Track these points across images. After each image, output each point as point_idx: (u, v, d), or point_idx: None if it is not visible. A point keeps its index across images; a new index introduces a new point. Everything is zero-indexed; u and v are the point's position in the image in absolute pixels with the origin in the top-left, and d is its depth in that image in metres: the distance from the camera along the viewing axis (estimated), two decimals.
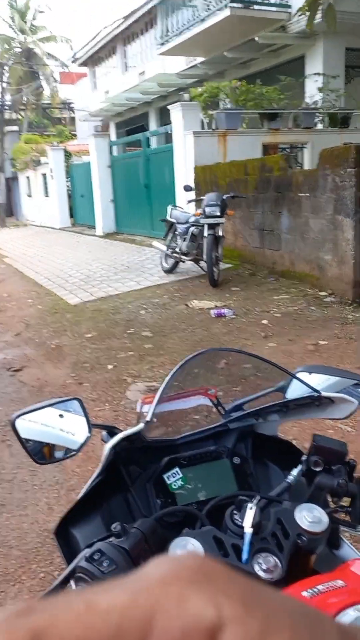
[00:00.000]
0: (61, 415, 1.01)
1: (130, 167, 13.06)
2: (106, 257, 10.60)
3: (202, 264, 7.46)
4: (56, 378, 4.51)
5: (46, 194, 19.83)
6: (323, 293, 6.29)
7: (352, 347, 4.67)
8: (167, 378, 1.03)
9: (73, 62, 23.72)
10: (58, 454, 1.00)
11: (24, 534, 2.56)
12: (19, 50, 33.99)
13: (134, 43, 19.25)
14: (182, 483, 1.01)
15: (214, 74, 14.08)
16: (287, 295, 6.50)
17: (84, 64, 23.08)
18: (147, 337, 5.37)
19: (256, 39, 11.37)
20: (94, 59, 22.28)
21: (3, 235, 18.29)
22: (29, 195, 22.81)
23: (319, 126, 10.98)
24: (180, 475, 1.02)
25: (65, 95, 37.01)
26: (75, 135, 27.57)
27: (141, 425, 0.98)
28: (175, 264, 8.18)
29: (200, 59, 13.88)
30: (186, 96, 9.90)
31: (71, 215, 18.70)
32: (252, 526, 0.78)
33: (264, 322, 5.53)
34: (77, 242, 13.79)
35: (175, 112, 9.84)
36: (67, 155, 18.54)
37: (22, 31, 33.97)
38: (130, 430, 0.97)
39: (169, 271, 8.27)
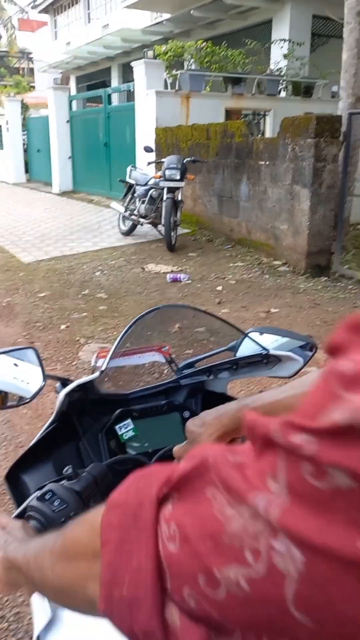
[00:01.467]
0: (16, 364, 1.01)
1: (90, 123, 12.68)
2: (62, 216, 10.36)
3: (160, 227, 7.42)
4: (7, 336, 4.45)
5: (0, 147, 19.06)
6: (277, 262, 6.39)
7: (302, 315, 4.80)
8: (123, 331, 1.06)
9: (33, 8, 22.55)
10: (11, 402, 1.01)
11: None
12: None
13: None
14: (133, 434, 1.05)
15: (179, 33, 13.71)
16: (243, 263, 6.57)
17: (45, 11, 22.00)
18: (101, 299, 5.35)
19: None
20: (55, 7, 21.25)
21: None
22: None
23: (283, 94, 10.93)
24: (132, 426, 1.06)
25: (24, 45, 35.26)
26: (33, 87, 26.43)
27: (96, 374, 1.01)
28: (133, 227, 8.10)
29: (166, 16, 13.46)
30: (150, 53, 9.60)
31: (26, 171, 18.08)
32: None
33: (219, 288, 5.59)
34: (33, 198, 13.39)
35: (139, 69, 9.56)
36: (24, 107, 17.79)
37: None
38: (85, 379, 0.99)
39: (127, 233, 8.18)
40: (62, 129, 13.64)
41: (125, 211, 7.91)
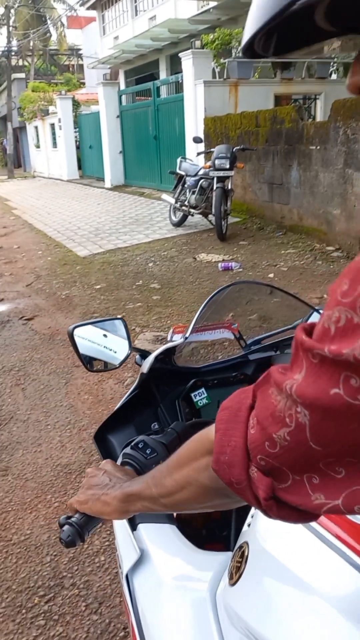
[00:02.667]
0: (105, 335, 1.16)
1: (139, 117, 12.83)
2: (115, 210, 10.59)
3: (211, 217, 7.47)
4: (67, 327, 4.64)
5: (54, 144, 19.55)
6: (330, 248, 6.33)
7: None
8: (201, 307, 1.18)
9: (81, 5, 22.88)
10: (99, 366, 1.16)
11: (39, 469, 2.75)
12: None
13: None
14: (207, 402, 1.18)
15: (226, 20, 13.59)
16: (294, 249, 6.54)
17: (93, 7, 22.26)
18: (155, 289, 5.48)
19: None
20: (102, 2, 21.48)
21: (11, 187, 18.18)
22: (37, 146, 22.48)
23: (333, 76, 10.69)
24: (206, 394, 1.19)
25: (73, 41, 35.86)
26: (83, 83, 26.88)
27: (181, 340, 1.14)
28: (184, 217, 8.19)
29: (213, 3, 13.37)
30: (197, 43, 9.60)
31: (79, 167, 18.50)
32: None
33: (271, 275, 5.60)
34: (86, 194, 13.72)
35: (186, 60, 9.59)
36: (76, 104, 18.18)
37: None
38: (172, 344, 1.14)
39: (178, 224, 8.28)
40: (113, 124, 13.87)
41: (176, 202, 8.00)
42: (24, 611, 1.94)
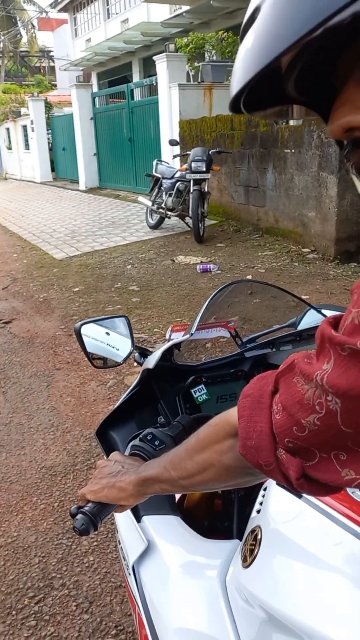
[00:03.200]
0: (107, 333, 1.19)
1: (113, 119, 12.82)
2: (90, 212, 10.55)
3: (188, 219, 7.52)
4: (46, 330, 4.63)
5: (27, 146, 19.36)
6: (306, 250, 6.43)
7: (333, 301, 4.86)
8: (204, 305, 1.22)
9: (53, 7, 22.75)
10: (101, 363, 1.19)
11: (23, 471, 2.73)
12: None
13: None
14: (206, 397, 1.22)
15: (199, 24, 13.70)
16: (271, 251, 6.63)
17: (64, 9, 22.16)
18: (134, 291, 5.49)
19: None
20: (74, 5, 21.40)
21: None
22: (9, 148, 22.22)
23: None
24: (205, 390, 1.23)
25: (44, 43, 35.58)
26: (55, 85, 26.71)
27: (187, 335, 1.18)
28: (161, 220, 8.22)
29: (185, 7, 13.46)
30: (171, 47, 9.66)
31: (52, 169, 18.36)
32: None
33: (249, 277, 5.67)
34: (60, 196, 13.63)
35: (161, 63, 9.64)
36: (48, 106, 18.04)
37: None
38: (178, 340, 1.17)
39: (155, 227, 8.30)
40: (86, 126, 13.82)
41: (153, 205, 8.02)
42: (14, 612, 1.94)
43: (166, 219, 8.18)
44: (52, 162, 18.26)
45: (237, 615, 0.82)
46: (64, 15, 23.21)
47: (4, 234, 9.40)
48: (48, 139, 18.02)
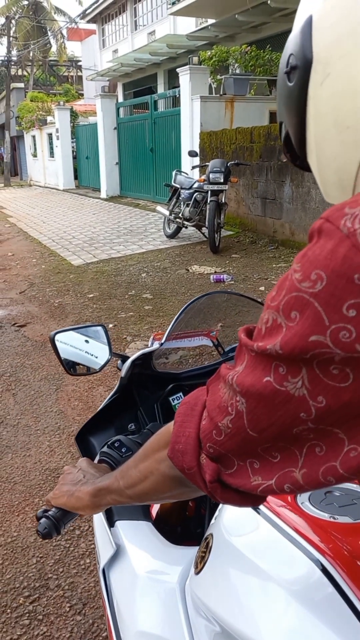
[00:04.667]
0: (87, 341, 1.20)
1: (136, 129, 12.98)
2: (110, 220, 10.67)
3: (204, 230, 7.56)
4: None
5: (51, 154, 19.69)
6: None
7: None
8: (177, 314, 1.24)
9: (82, 18, 23.16)
10: (81, 370, 1.21)
11: (28, 472, 2.78)
12: (27, 3, 33.09)
13: (144, 1, 18.79)
14: None
15: (224, 37, 13.83)
16: (286, 263, 6.63)
17: (93, 20, 22.55)
18: (147, 299, 5.54)
19: (268, 2, 11.16)
20: (103, 16, 21.77)
21: (7, 195, 18.26)
22: (34, 155, 22.62)
23: None
24: (182, 397, 1.25)
25: (73, 53, 36.19)
26: (82, 94, 27.12)
27: (156, 345, 1.20)
28: (178, 229, 8.28)
29: (211, 21, 13.62)
30: (195, 59, 9.77)
31: (75, 177, 18.62)
32: None
33: (262, 288, 5.69)
34: (81, 204, 13.81)
35: (184, 75, 9.76)
36: (74, 115, 18.34)
37: None
38: (148, 349, 1.20)
39: (171, 236, 8.37)
40: (110, 135, 14.01)
41: (170, 214, 8.10)
42: (8, 611, 1.97)
43: (183, 229, 8.24)
44: (75, 170, 18.53)
45: (193, 620, 0.84)
46: (93, 26, 23.60)
47: (25, 240, 9.56)
48: (72, 147, 18.31)
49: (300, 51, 0.52)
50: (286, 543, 0.75)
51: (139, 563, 1.01)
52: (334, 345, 0.40)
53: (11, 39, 25.46)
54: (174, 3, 13.48)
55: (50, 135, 19.50)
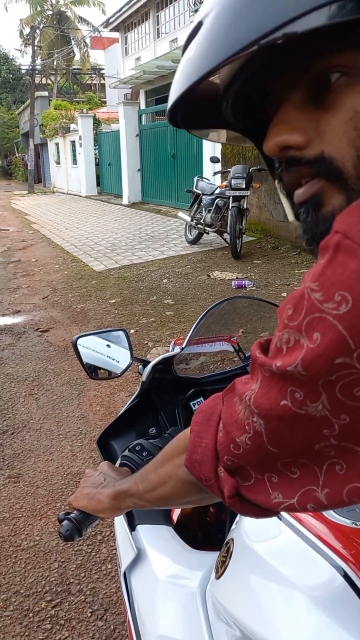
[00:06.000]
0: (108, 345, 1.22)
1: (158, 136, 13.05)
2: (131, 227, 10.74)
3: (226, 236, 7.56)
4: None
5: (74, 161, 19.91)
6: None
7: None
8: (198, 319, 1.25)
9: (105, 26, 23.42)
10: (103, 375, 1.22)
11: (50, 477, 2.80)
12: (51, 12, 33.64)
13: (167, 9, 18.94)
14: None
15: None
16: (308, 269, 6.57)
17: (116, 28, 22.78)
18: (168, 305, 5.55)
19: None
20: (126, 24, 21.99)
21: (31, 202, 18.51)
22: (57, 163, 22.91)
23: None
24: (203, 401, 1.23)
25: (96, 61, 36.63)
26: (104, 102, 27.41)
27: (177, 350, 1.21)
28: (199, 235, 8.29)
29: None
30: None
31: (98, 184, 18.79)
32: None
33: (284, 294, 5.65)
34: (103, 210, 13.93)
35: None
36: (96, 122, 18.54)
37: None
38: (168, 354, 1.20)
39: (193, 242, 8.38)
40: (132, 142, 14.12)
41: (192, 220, 8.11)
42: (31, 615, 1.98)
43: (204, 235, 8.25)
44: (97, 176, 18.71)
45: (213, 625, 0.85)
46: (116, 35, 23.83)
47: (48, 246, 9.67)
48: (95, 154, 18.50)
49: None
50: (307, 549, 0.74)
51: (159, 567, 1.01)
52: (353, 364, 0.38)
53: (36, 48, 25.87)
54: (196, 11, 13.55)
55: (73, 143, 19.73)
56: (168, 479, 0.67)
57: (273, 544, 0.80)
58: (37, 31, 28.83)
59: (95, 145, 18.41)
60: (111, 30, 23.31)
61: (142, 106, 19.10)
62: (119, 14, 21.23)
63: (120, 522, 1.14)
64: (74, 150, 19.82)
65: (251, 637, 0.72)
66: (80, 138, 18.24)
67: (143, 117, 14.53)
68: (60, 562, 2.23)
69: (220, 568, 0.85)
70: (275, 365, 0.42)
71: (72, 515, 0.87)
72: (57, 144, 22.51)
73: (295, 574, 0.73)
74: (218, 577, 0.84)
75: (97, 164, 18.62)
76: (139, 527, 1.10)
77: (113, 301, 5.82)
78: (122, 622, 1.94)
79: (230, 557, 0.84)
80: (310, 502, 0.46)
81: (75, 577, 2.15)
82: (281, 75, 0.47)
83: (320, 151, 0.46)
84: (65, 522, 0.87)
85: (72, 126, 19.96)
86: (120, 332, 1.23)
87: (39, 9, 33.81)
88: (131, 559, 1.04)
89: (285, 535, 0.78)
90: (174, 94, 0.49)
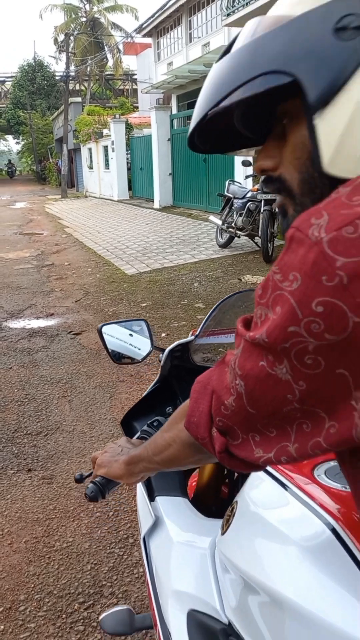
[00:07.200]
0: (130, 334, 1.33)
1: None
2: (163, 230, 10.78)
3: (257, 239, 7.52)
4: None
5: (107, 166, 20.13)
6: None
7: None
8: (212, 309, 1.34)
9: (138, 32, 23.64)
10: (126, 361, 1.33)
11: None
12: (84, 20, 34.14)
13: (199, 13, 19.00)
14: None
15: None
16: None
17: (149, 34, 22.97)
18: (199, 309, 5.55)
19: None
20: (158, 30, 22.15)
21: (64, 206, 18.78)
22: (90, 167, 23.19)
23: None
24: None
25: (128, 66, 36.98)
26: (136, 107, 27.64)
27: (192, 337, 1.30)
28: (231, 239, 8.27)
29: None
30: None
31: (129, 188, 18.94)
32: None
33: None
34: (135, 214, 14.03)
35: None
36: (129, 127, 18.70)
37: (89, 0, 34.04)
38: (184, 340, 1.31)
39: (224, 246, 8.36)
40: (164, 147, 14.19)
41: (223, 224, 8.10)
42: (64, 616, 2.00)
43: (236, 238, 8.22)
44: (129, 181, 18.86)
45: (220, 577, 0.99)
46: (148, 40, 24.03)
47: (81, 250, 9.79)
48: (127, 158, 18.66)
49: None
50: (302, 508, 0.84)
51: (174, 532, 1.14)
52: (308, 335, 0.48)
53: (70, 55, 26.28)
54: (229, 15, 13.56)
55: (105, 148, 19.95)
56: (172, 442, 0.78)
57: (271, 503, 0.92)
58: (71, 38, 29.30)
59: (127, 150, 18.57)
60: (144, 35, 23.51)
61: (174, 111, 19.18)
62: (151, 19, 21.39)
63: (141, 493, 1.27)
64: (106, 155, 20.04)
65: (252, 583, 0.84)
66: (112, 143, 18.43)
67: (175, 121, 14.59)
68: (93, 565, 2.24)
69: (225, 526, 0.97)
70: (249, 335, 0.54)
71: (96, 479, 0.98)
72: (89, 149, 22.80)
73: (290, 528, 0.83)
74: (223, 534, 0.97)
75: (129, 169, 18.78)
76: (158, 498, 1.23)
77: (144, 304, 5.85)
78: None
79: (233, 517, 0.95)
80: (284, 455, 0.56)
81: (108, 580, 2.16)
82: (272, 113, 0.64)
83: (280, 173, 0.63)
84: (90, 485, 0.99)
85: (105, 131, 20.20)
86: (142, 322, 1.34)
87: (73, 16, 34.37)
88: (150, 525, 1.17)
89: (283, 496, 0.90)
90: (192, 124, 0.66)
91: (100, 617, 1.45)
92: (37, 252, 9.68)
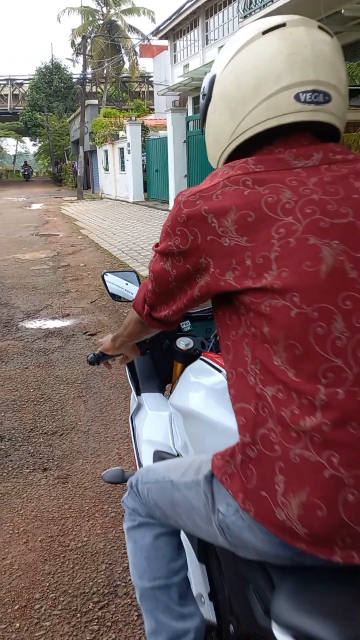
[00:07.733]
0: (126, 283, 1.84)
1: (205, 142, 13.08)
2: None
3: None
4: None
5: (122, 168, 20.21)
6: None
7: None
8: None
9: (154, 34, 23.71)
10: (123, 300, 1.84)
11: (98, 479, 2.84)
12: (102, 22, 34.34)
13: (216, 16, 19.01)
14: (190, 328, 1.86)
15: None
16: None
17: (165, 36, 23.03)
18: None
19: (342, 11, 10.98)
20: (175, 32, 22.20)
21: (80, 208, 18.88)
22: (106, 169, 23.30)
23: None
24: (189, 324, 1.87)
25: (145, 69, 37.11)
26: (152, 109, 27.71)
27: None
28: None
29: None
30: None
31: (145, 190, 18.99)
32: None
33: None
34: (150, 216, 14.06)
35: None
36: (144, 129, 18.76)
37: (106, 3, 34.22)
38: None
39: None
40: (179, 149, 14.22)
41: None
42: (78, 615, 2.01)
43: None
44: (145, 183, 18.91)
45: (173, 430, 1.65)
46: (165, 42, 24.09)
47: (96, 251, 9.84)
48: (143, 160, 18.72)
49: (208, 90, 1.08)
50: (215, 372, 1.43)
51: (149, 407, 1.81)
52: (174, 246, 0.98)
53: (87, 57, 26.44)
54: (245, 17, 13.55)
55: (121, 150, 20.03)
56: (130, 321, 1.31)
57: (200, 372, 1.50)
58: (88, 40, 29.48)
59: (143, 152, 18.63)
60: (160, 38, 23.57)
61: (190, 113, 19.20)
62: (168, 21, 21.44)
63: (133, 389, 1.95)
64: (122, 157, 20.12)
65: (185, 413, 1.48)
66: (128, 145, 18.50)
67: (190, 123, 14.61)
68: (108, 564, 2.25)
69: (173, 386, 1.71)
70: (154, 249, 1.04)
71: (96, 352, 1.57)
72: (105, 151, 22.91)
73: (205, 380, 1.45)
74: (171, 392, 1.68)
75: (144, 170, 18.83)
76: (142, 394, 1.89)
77: None
78: None
79: (177, 382, 1.64)
80: (170, 311, 1.09)
81: (122, 580, 2.16)
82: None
83: None
84: (91, 354, 1.58)
85: (121, 133, 20.28)
86: (133, 274, 1.86)
87: (90, 19, 34.59)
88: (134, 407, 1.89)
89: (204, 367, 1.49)
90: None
91: (102, 474, 2.13)
92: (53, 253, 9.74)
